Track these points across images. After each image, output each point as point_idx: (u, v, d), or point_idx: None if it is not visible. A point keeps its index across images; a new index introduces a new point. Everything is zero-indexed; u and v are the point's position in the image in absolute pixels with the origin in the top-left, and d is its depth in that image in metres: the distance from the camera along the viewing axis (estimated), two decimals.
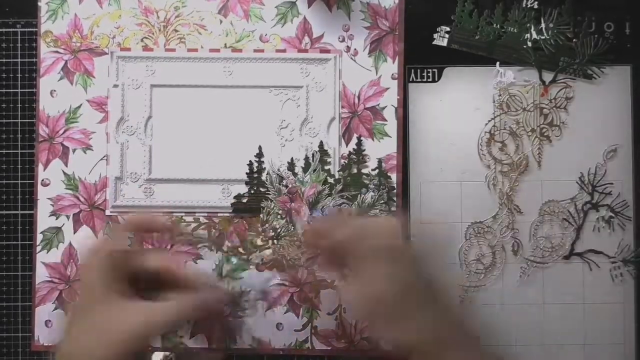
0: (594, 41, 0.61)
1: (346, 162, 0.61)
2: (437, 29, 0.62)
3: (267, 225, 0.61)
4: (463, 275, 0.62)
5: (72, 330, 0.45)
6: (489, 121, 0.62)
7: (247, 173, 0.61)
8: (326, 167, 0.61)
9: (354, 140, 0.61)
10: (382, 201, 0.60)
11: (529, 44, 0.61)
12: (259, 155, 0.61)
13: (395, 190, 0.61)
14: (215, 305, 0.50)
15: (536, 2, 0.61)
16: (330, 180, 0.61)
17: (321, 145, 0.61)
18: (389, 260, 0.45)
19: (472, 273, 0.62)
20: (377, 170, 0.61)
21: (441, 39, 0.62)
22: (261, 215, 0.61)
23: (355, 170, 0.61)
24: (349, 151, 0.61)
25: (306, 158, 0.61)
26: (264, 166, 0.61)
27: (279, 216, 0.61)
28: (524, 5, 0.61)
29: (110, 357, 0.42)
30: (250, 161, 0.61)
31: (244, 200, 0.61)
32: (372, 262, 0.45)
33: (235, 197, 0.61)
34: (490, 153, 0.62)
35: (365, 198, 0.60)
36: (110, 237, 0.50)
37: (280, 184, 0.61)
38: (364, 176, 0.61)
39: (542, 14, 0.61)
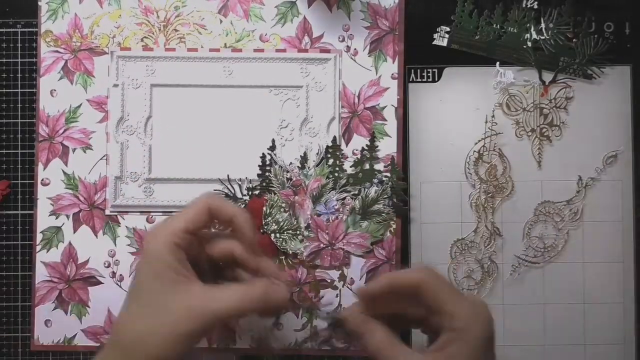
0: (594, 41, 0.61)
1: (359, 157, 0.61)
2: (437, 29, 0.62)
3: (269, 218, 0.61)
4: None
5: (133, 310, 0.45)
6: (487, 122, 0.62)
7: (259, 165, 0.61)
8: (338, 163, 0.61)
9: (355, 140, 0.61)
10: (386, 196, 0.60)
11: (529, 44, 0.61)
12: (272, 148, 0.61)
13: (404, 189, 0.61)
14: (278, 303, 0.47)
15: (536, 2, 0.61)
16: (342, 175, 0.61)
17: (334, 140, 0.61)
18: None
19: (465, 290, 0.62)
20: (389, 167, 0.61)
21: (441, 39, 0.62)
22: (264, 208, 0.61)
23: (367, 166, 0.61)
24: (362, 147, 0.61)
25: (308, 153, 0.61)
26: (276, 158, 0.61)
27: (282, 209, 0.61)
28: (523, 6, 0.61)
29: (170, 339, 0.43)
30: (262, 154, 0.61)
31: (256, 192, 0.61)
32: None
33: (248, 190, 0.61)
34: (491, 151, 0.62)
35: (369, 192, 0.60)
36: (178, 217, 0.47)
37: (284, 177, 0.61)
38: (376, 172, 0.61)
39: (542, 14, 0.61)
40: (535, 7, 0.61)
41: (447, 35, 0.62)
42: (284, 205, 0.60)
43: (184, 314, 0.44)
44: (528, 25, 0.61)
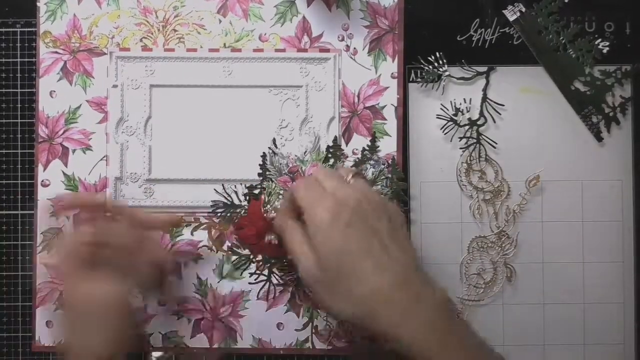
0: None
1: (359, 158, 0.61)
2: (515, 4, 0.61)
3: (268, 205, 0.60)
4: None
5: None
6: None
7: (260, 165, 0.61)
8: (339, 162, 0.61)
9: (355, 139, 0.61)
10: (383, 177, 0.60)
11: (578, 79, 0.61)
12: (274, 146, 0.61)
13: (404, 189, 0.61)
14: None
15: (607, 48, 0.61)
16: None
17: (335, 140, 0.61)
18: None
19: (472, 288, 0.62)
20: (389, 167, 0.61)
21: (511, 14, 0.61)
22: (263, 196, 0.61)
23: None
24: (363, 147, 0.61)
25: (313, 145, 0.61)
26: (275, 150, 0.61)
27: (280, 196, 0.60)
28: (596, 43, 0.61)
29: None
30: (263, 152, 0.61)
31: (256, 192, 0.61)
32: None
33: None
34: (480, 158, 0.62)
35: (366, 175, 0.60)
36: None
37: (280, 164, 0.61)
38: (368, 156, 0.61)
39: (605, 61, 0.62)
40: (604, 51, 0.61)
41: (519, 14, 0.61)
42: (281, 192, 0.60)
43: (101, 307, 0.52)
44: (587, 63, 0.61)
